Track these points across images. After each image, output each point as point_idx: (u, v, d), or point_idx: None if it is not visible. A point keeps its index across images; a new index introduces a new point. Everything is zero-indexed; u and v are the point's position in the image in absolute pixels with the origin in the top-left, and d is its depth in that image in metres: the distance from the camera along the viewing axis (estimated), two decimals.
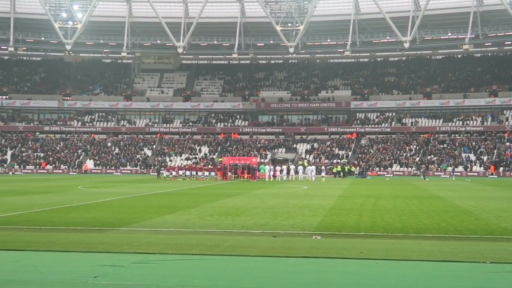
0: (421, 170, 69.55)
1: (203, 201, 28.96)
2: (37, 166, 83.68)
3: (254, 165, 60.11)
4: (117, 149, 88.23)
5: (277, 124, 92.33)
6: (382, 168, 78.41)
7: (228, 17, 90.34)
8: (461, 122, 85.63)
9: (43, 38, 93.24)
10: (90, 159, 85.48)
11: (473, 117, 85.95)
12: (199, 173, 60.56)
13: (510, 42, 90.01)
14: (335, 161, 79.69)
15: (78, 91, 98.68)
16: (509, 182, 57.33)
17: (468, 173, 74.33)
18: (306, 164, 68.81)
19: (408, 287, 8.80)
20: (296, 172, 60.08)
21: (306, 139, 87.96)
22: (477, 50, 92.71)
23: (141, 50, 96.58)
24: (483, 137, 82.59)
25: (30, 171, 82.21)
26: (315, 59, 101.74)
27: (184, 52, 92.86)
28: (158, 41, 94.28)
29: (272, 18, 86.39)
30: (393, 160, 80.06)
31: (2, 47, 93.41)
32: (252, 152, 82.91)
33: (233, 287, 8.77)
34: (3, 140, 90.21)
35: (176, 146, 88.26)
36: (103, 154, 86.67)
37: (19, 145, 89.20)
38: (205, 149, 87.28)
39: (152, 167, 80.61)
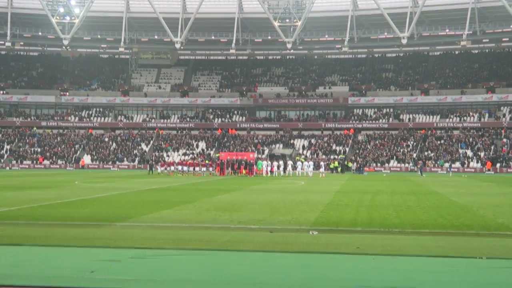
0: (418, 166, 69.65)
1: (200, 196, 28.96)
2: (34, 161, 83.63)
3: (251, 161, 60.12)
4: (114, 145, 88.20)
5: (275, 119, 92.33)
6: (379, 164, 78.50)
7: (226, 13, 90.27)
8: (458, 118, 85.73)
9: (40, 33, 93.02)
10: (87, 154, 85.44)
11: (470, 113, 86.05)
12: (197, 169, 60.55)
13: (507, 39, 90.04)
14: (332, 157, 79.75)
15: (75, 86, 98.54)
16: (506, 178, 57.43)
17: (465, 169, 74.45)
18: (303, 159, 68.79)
19: (404, 282, 8.82)
20: (294, 167, 60.12)
21: (304, 135, 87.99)
22: (475, 46, 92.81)
23: (138, 45, 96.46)
24: (480, 133, 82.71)
25: (27, 166, 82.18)
26: (312, 55, 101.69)
27: (182, 47, 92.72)
28: (156, 37, 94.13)
29: (270, 13, 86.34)
30: (390, 156, 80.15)
31: None
32: (249, 148, 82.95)
33: (230, 282, 8.79)
34: (0, 135, 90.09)
35: (174, 141, 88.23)
36: (100, 149, 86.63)
37: (16, 140, 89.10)
38: (202, 145, 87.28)
39: (148, 162, 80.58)
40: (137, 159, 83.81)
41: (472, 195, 31.09)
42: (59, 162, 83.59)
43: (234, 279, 9.03)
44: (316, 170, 61.20)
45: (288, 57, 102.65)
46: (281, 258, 11.49)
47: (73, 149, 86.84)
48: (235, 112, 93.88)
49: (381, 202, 25.90)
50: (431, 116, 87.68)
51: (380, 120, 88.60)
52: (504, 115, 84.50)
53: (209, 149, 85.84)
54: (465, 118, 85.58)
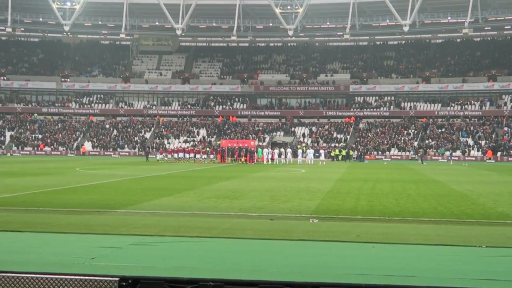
0: (419, 155, 69.67)
1: (201, 183, 29.00)
2: (35, 148, 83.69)
3: (252, 148, 60.14)
4: (115, 131, 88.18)
5: (276, 107, 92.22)
6: (380, 152, 78.49)
7: None
8: (459, 107, 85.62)
9: (41, 19, 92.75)
10: (88, 141, 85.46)
11: (472, 101, 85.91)
12: (198, 156, 60.60)
13: (509, 27, 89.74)
14: (333, 144, 79.75)
15: (76, 73, 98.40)
16: (506, 167, 57.44)
17: (466, 158, 74.45)
18: (304, 148, 68.84)
19: (404, 271, 8.84)
20: (294, 155, 60.12)
21: (305, 122, 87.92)
22: (477, 34, 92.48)
23: (139, 32, 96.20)
24: (481, 121, 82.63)
25: (28, 152, 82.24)
26: (314, 42, 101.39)
27: (183, 34, 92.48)
28: (157, 23, 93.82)
29: (271, 0, 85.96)
30: (391, 144, 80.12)
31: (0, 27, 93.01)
32: (250, 135, 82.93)
33: (230, 269, 8.81)
34: (1, 121, 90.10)
35: (174, 128, 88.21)
36: (101, 136, 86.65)
37: (17, 126, 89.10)
38: (203, 132, 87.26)
39: (150, 149, 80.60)
40: (137, 146, 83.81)
41: (472, 183, 31.11)
42: (60, 148, 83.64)
43: (234, 266, 9.06)
44: (316, 158, 61.20)
45: (289, 44, 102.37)
46: (281, 245, 11.51)
47: (74, 135, 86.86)
48: (236, 99, 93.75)
49: (381, 190, 25.93)
50: (432, 104, 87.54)
51: (381, 108, 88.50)
52: (505, 104, 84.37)
53: (210, 136, 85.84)
54: (466, 106, 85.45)
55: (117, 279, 6.49)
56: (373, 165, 58.69)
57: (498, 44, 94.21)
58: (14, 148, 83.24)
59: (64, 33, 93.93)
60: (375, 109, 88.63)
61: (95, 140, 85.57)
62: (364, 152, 74.53)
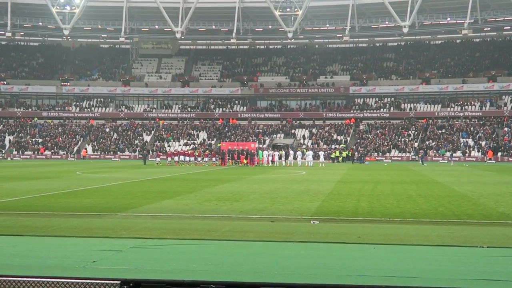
0: (420, 156, 69.66)
1: (201, 186, 29.00)
2: (36, 152, 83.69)
3: (252, 151, 60.14)
4: (115, 135, 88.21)
5: (276, 109, 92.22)
6: (380, 154, 78.49)
7: (227, 2, 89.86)
8: (459, 108, 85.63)
9: (40, 23, 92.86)
10: (88, 144, 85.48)
11: (472, 102, 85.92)
12: (199, 159, 60.63)
13: (509, 27, 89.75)
14: (333, 146, 79.76)
15: (76, 77, 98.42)
16: (507, 167, 57.42)
17: (466, 158, 74.44)
18: (304, 150, 68.85)
19: (405, 272, 8.83)
20: (295, 157, 60.12)
21: (305, 124, 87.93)
22: (476, 35, 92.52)
23: (139, 35, 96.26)
24: (481, 122, 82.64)
25: (28, 156, 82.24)
26: (313, 44, 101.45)
27: (182, 37, 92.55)
28: (156, 26, 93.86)
29: (270, 3, 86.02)
30: (391, 146, 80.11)
31: None
32: (250, 138, 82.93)
33: (231, 271, 8.80)
34: (1, 126, 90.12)
35: (175, 131, 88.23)
36: (101, 140, 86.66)
37: (18, 130, 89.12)
38: (203, 135, 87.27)
39: (147, 152, 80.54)
40: (137, 149, 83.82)
41: (473, 184, 31.09)
42: (60, 152, 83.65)
43: (235, 268, 9.05)
44: (316, 160, 61.18)
45: (289, 46, 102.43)
46: (282, 247, 11.50)
47: (74, 139, 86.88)
48: (236, 102, 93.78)
49: (382, 191, 25.92)
50: (432, 105, 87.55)
51: (381, 110, 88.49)
52: (505, 104, 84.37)
53: (210, 139, 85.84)
54: (466, 107, 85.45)
55: (119, 282, 6.48)
56: (374, 166, 58.67)
57: (497, 44, 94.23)
58: (15, 152, 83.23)
59: (64, 37, 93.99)
60: (375, 111, 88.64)
61: (95, 144, 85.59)
62: (365, 154, 74.49)
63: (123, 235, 13.12)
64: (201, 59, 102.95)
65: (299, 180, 35.41)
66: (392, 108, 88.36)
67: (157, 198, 22.32)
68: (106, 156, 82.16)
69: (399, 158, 76.85)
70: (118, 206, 19.73)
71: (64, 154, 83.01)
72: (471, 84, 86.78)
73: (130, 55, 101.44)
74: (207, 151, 67.31)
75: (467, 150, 76.93)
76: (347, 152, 74.60)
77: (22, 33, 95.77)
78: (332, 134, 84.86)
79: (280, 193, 24.73)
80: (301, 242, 12.16)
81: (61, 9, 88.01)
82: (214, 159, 61.05)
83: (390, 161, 74.74)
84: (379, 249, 11.16)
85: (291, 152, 62.68)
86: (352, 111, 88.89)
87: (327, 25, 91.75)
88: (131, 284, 6.59)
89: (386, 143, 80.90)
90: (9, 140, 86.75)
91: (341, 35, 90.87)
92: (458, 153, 75.93)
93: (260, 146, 76.67)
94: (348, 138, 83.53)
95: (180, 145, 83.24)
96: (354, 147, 78.92)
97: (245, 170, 48.88)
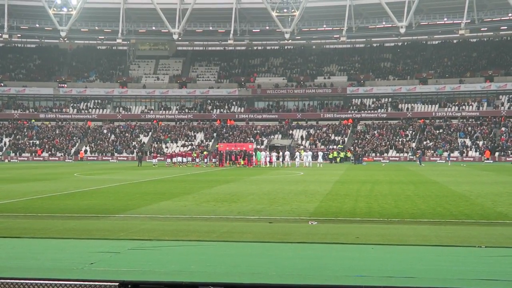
0: (417, 156, 69.68)
1: (199, 187, 28.98)
2: (33, 154, 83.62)
3: (250, 151, 60.11)
4: (113, 136, 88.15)
5: (273, 110, 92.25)
6: (378, 154, 78.54)
7: (224, 3, 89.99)
8: (457, 107, 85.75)
9: (37, 25, 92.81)
10: (86, 146, 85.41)
11: (469, 102, 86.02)
12: (197, 160, 60.67)
13: (506, 27, 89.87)
14: (331, 147, 79.79)
15: (73, 78, 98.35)
16: (504, 167, 57.51)
17: (464, 158, 74.55)
18: (302, 151, 68.84)
19: (403, 272, 8.84)
20: (293, 158, 60.09)
21: (302, 125, 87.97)
22: (473, 35, 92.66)
23: (136, 36, 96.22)
24: (479, 122, 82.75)
25: (26, 158, 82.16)
26: (311, 45, 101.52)
27: (180, 38, 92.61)
28: (153, 28, 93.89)
29: (267, 3, 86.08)
30: (389, 146, 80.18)
31: None
32: (248, 139, 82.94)
33: (229, 272, 8.80)
34: None
35: (172, 132, 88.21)
36: (99, 141, 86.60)
37: (15, 132, 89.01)
38: (201, 136, 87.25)
39: (143, 153, 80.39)
40: (135, 150, 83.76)
41: (471, 184, 31.12)
42: (58, 154, 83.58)
43: (233, 270, 9.05)
44: (314, 160, 61.18)
45: (286, 47, 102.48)
46: (280, 248, 11.50)
47: (71, 141, 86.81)
48: (234, 103, 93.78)
49: (380, 192, 25.93)
50: (429, 106, 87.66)
51: (379, 110, 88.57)
52: (502, 104, 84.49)
53: (208, 140, 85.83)
54: (463, 107, 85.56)
55: (117, 284, 6.48)
56: (371, 166, 58.69)
57: (494, 44, 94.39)
58: (12, 154, 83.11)
59: (61, 38, 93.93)
60: (372, 111, 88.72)
61: (93, 145, 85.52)
62: (362, 154, 74.51)
63: (121, 237, 13.11)
64: (199, 60, 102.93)
65: (297, 180, 35.41)
66: (389, 109, 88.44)
67: (155, 200, 22.30)
68: (103, 158, 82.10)
69: (397, 158, 76.91)
70: (116, 207, 19.72)
71: (61, 155, 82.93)
72: (468, 84, 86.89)
73: (127, 57, 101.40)
74: (205, 152, 67.23)
75: (464, 150, 77.02)
76: (344, 152, 74.62)
77: (19, 35, 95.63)
78: (330, 134, 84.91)
79: (278, 194, 24.73)
80: (300, 243, 12.16)
81: (58, 10, 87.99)
82: (214, 160, 61.09)
83: (387, 161, 74.81)
84: (377, 250, 11.16)
85: (287, 152, 62.65)
86: (349, 112, 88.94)
87: (324, 26, 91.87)
88: (129, 286, 6.58)
89: (383, 144, 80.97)
90: (7, 142, 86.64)
91: (338, 36, 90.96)
92: (456, 153, 76.02)
93: (258, 147, 76.65)
94: (346, 139, 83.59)
95: (177, 146, 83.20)
96: (352, 147, 78.93)
97: (243, 171, 48.87)
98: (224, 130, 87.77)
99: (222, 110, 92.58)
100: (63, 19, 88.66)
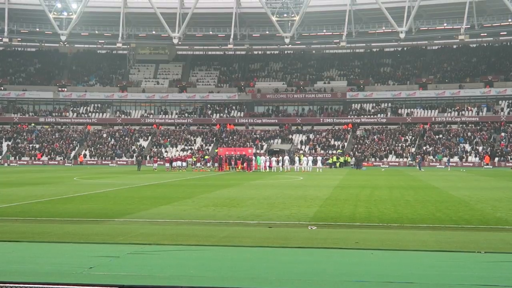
0: (417, 161, 69.68)
1: (198, 192, 28.96)
2: (33, 158, 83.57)
3: (250, 156, 60.08)
4: (112, 140, 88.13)
5: (273, 115, 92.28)
6: (377, 159, 78.54)
7: (224, 8, 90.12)
8: (456, 113, 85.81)
9: (37, 29, 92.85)
10: (85, 150, 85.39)
11: (469, 107, 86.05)
12: (198, 164, 60.72)
13: (505, 33, 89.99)
14: (330, 151, 79.79)
15: (73, 82, 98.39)
16: (504, 172, 57.50)
17: (464, 164, 74.53)
18: (301, 156, 68.83)
19: (403, 277, 8.83)
20: (292, 163, 60.06)
21: (302, 130, 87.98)
22: (473, 40, 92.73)
23: (136, 41, 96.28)
24: (478, 127, 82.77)
25: (25, 162, 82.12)
26: (311, 50, 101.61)
27: (180, 42, 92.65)
28: (154, 32, 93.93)
29: (267, 8, 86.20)
30: (388, 151, 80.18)
31: None
32: (248, 143, 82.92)
33: (228, 277, 8.79)
34: None
35: (172, 137, 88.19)
36: (98, 145, 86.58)
37: (15, 136, 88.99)
38: (200, 140, 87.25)
39: (142, 158, 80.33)
40: (135, 155, 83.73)
41: (470, 189, 31.11)
42: (57, 158, 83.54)
43: (232, 274, 9.04)
44: (314, 165, 61.14)
45: (286, 52, 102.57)
46: (279, 253, 11.50)
47: (71, 145, 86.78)
48: (233, 107, 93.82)
49: (379, 197, 25.92)
50: (429, 111, 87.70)
51: (379, 115, 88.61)
52: (502, 109, 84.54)
53: (208, 144, 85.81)
54: (463, 112, 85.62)
55: None
56: (371, 171, 58.67)
57: (494, 50, 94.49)
58: (11, 158, 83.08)
59: (61, 42, 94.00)
60: (372, 116, 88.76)
61: (92, 150, 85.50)
62: (362, 159, 74.50)
63: (120, 241, 13.09)
64: (198, 65, 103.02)
65: (296, 185, 35.39)
66: (389, 114, 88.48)
67: (154, 204, 22.29)
68: (103, 162, 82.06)
69: (396, 163, 76.88)
70: (115, 212, 19.70)
71: (61, 159, 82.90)
72: (468, 89, 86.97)
73: (127, 61, 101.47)
74: (207, 156, 67.18)
75: (464, 155, 77.02)
76: (344, 157, 74.61)
77: (19, 39, 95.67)
78: (330, 139, 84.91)
79: (277, 199, 24.70)
80: (299, 248, 12.16)
81: (58, 14, 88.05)
82: (216, 164, 61.19)
83: (387, 166, 74.77)
84: (377, 255, 11.15)
85: (287, 157, 62.63)
86: (349, 117, 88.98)
87: (324, 31, 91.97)
88: None
89: (383, 148, 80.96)
90: (6, 145, 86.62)
91: (338, 41, 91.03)
92: (455, 158, 76.01)
93: (258, 151, 76.64)
94: (346, 143, 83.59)
95: (177, 150, 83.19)
96: (351, 152, 78.94)
97: (243, 175, 48.84)
98: (224, 135, 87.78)
99: (221, 114, 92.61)
100: (63, 23, 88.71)
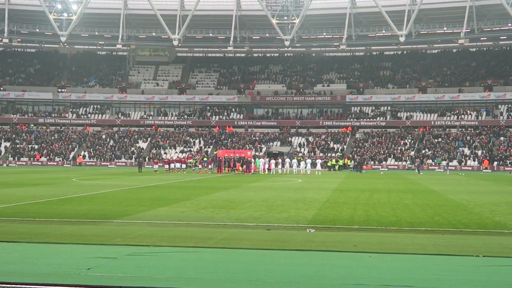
0: (416, 164, 69.70)
1: (197, 194, 28.94)
2: (32, 158, 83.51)
3: (249, 158, 60.08)
4: (111, 142, 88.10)
5: (272, 117, 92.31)
6: (377, 162, 78.53)
7: (224, 10, 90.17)
8: (456, 117, 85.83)
9: (37, 30, 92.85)
10: (84, 151, 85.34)
11: (468, 111, 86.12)
12: (199, 166, 60.76)
13: (505, 37, 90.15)
14: (330, 154, 79.79)
15: (73, 83, 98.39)
16: (503, 176, 57.52)
17: (463, 167, 74.53)
18: (301, 158, 68.86)
19: (401, 280, 8.82)
20: (291, 165, 60.06)
21: (301, 132, 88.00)
22: (473, 44, 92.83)
23: (136, 42, 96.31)
24: (477, 131, 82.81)
25: (24, 163, 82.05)
26: (310, 53, 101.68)
27: (180, 44, 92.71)
28: (154, 34, 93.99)
29: (267, 11, 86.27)
30: (388, 154, 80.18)
31: None
32: (247, 145, 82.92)
33: (227, 279, 8.78)
34: None
35: (171, 138, 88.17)
36: (97, 147, 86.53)
37: (14, 137, 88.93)
38: (200, 142, 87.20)
39: (143, 159, 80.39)
40: (134, 156, 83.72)
41: (469, 193, 31.10)
42: (56, 159, 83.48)
43: (231, 276, 9.03)
44: (313, 168, 61.15)
45: (286, 54, 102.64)
46: (278, 255, 11.48)
47: (70, 146, 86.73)
48: (233, 109, 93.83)
49: (378, 200, 25.91)
50: (428, 114, 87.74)
51: (378, 118, 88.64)
52: (501, 113, 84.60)
53: (207, 146, 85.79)
54: (462, 116, 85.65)
55: None
56: (370, 175, 58.66)
57: (493, 54, 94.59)
58: (10, 158, 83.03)
59: (61, 43, 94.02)
60: (371, 119, 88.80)
61: (91, 151, 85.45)
62: (361, 162, 74.49)
63: (119, 243, 13.08)
64: (198, 67, 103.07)
65: (295, 188, 35.37)
66: (388, 117, 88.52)
67: (153, 205, 22.27)
68: (102, 163, 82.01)
69: (395, 167, 76.89)
70: (114, 213, 19.68)
71: (60, 160, 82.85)
72: (467, 93, 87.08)
73: (127, 62, 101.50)
74: (209, 158, 67.15)
75: (463, 159, 77.03)
76: (343, 160, 74.62)
77: (19, 40, 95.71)
78: (329, 142, 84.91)
79: (276, 201, 24.69)
80: (297, 251, 12.14)
81: (58, 15, 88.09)
82: (212, 166, 61.15)
83: (386, 169, 74.77)
84: (375, 258, 11.15)
85: (287, 160, 62.63)
86: (348, 120, 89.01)
87: (324, 34, 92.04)
88: None
89: (382, 152, 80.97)
90: (5, 146, 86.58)
91: (338, 44, 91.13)
92: (454, 162, 76.02)
93: (257, 153, 76.63)
94: (345, 146, 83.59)
95: (176, 152, 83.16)
96: (351, 155, 78.94)
97: (241, 177, 48.82)
98: (223, 137, 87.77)
99: (221, 116, 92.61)
100: (63, 24, 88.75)
